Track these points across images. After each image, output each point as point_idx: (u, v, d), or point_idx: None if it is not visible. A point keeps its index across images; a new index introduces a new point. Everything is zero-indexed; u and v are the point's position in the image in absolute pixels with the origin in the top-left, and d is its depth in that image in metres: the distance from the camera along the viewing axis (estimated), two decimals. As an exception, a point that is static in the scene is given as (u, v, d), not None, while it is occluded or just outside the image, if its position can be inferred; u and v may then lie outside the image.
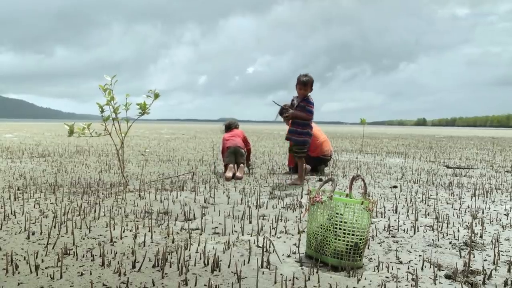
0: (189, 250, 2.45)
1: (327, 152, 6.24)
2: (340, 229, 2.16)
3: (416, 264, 2.28)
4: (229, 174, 5.36)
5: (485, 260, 2.36)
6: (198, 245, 2.53)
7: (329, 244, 2.19)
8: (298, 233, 2.86)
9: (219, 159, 7.87)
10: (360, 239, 2.15)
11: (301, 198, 4.10)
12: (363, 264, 2.24)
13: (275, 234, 2.83)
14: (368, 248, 2.53)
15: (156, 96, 4.55)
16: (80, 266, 2.15)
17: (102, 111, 4.49)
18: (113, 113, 4.53)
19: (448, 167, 7.40)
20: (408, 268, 2.21)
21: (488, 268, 2.21)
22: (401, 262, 2.31)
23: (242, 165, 5.65)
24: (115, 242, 2.57)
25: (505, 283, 2.01)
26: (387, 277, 2.08)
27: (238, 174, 5.47)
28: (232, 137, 6.00)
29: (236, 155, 5.67)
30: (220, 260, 2.22)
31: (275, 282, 1.98)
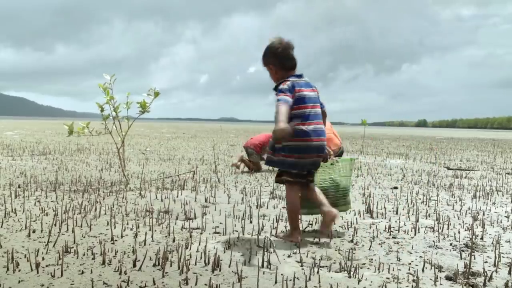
0: (190, 249, 2.45)
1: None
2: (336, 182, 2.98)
3: (416, 265, 2.28)
4: (235, 161, 6.43)
5: (486, 262, 2.36)
6: (199, 244, 2.53)
7: (328, 196, 2.85)
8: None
9: (220, 158, 7.93)
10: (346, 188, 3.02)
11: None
12: (363, 264, 2.25)
13: (276, 234, 2.82)
14: (369, 249, 2.54)
15: (156, 94, 4.62)
16: (80, 265, 2.15)
17: (102, 110, 4.50)
18: (113, 111, 4.54)
19: (448, 168, 7.40)
20: (409, 269, 2.21)
21: (488, 270, 2.21)
22: (402, 263, 2.31)
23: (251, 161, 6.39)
24: (116, 240, 2.58)
25: (506, 285, 2.01)
26: (388, 278, 2.08)
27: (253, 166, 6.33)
28: (253, 137, 6.73)
29: (247, 153, 6.49)
30: (221, 260, 2.22)
31: (276, 282, 1.98)
